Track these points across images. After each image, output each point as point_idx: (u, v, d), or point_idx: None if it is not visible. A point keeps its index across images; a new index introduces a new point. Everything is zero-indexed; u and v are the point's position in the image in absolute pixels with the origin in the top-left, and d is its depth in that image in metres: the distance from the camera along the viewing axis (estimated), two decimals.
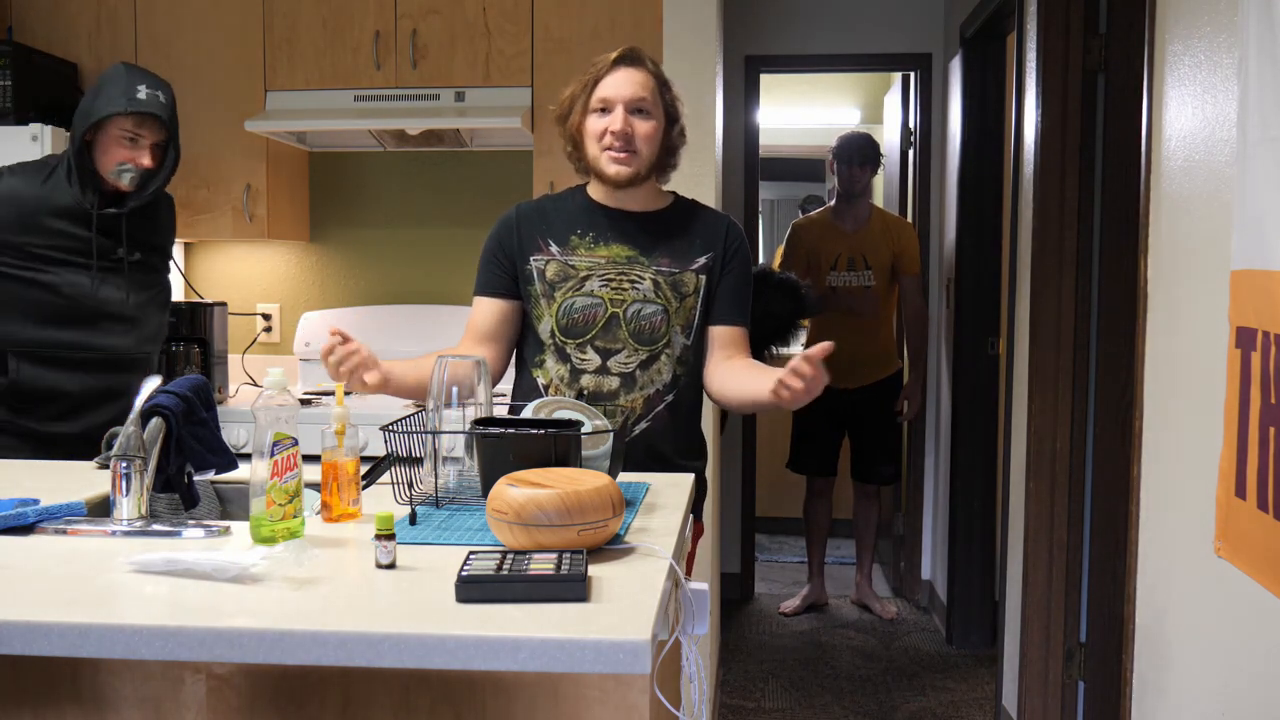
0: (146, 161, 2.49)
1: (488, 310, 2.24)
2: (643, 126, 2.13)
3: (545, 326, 2.19)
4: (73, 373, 2.51)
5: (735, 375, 2.19)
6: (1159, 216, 2.20)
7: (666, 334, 2.17)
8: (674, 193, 2.29)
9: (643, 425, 2.15)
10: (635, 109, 2.12)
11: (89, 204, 2.50)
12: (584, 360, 2.17)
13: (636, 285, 2.16)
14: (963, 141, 4.26)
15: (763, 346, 4.26)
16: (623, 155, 2.12)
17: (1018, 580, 3.19)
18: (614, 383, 2.16)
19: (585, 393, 2.15)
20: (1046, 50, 3.00)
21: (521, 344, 2.27)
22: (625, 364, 2.16)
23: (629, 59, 2.15)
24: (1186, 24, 2.07)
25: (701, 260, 2.20)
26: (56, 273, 2.49)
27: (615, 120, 2.11)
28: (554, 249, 2.19)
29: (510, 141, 3.82)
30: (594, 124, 2.13)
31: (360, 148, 3.96)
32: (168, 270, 2.75)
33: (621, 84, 2.12)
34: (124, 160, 2.47)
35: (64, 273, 2.50)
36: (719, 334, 2.23)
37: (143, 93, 2.44)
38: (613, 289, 2.16)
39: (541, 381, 2.21)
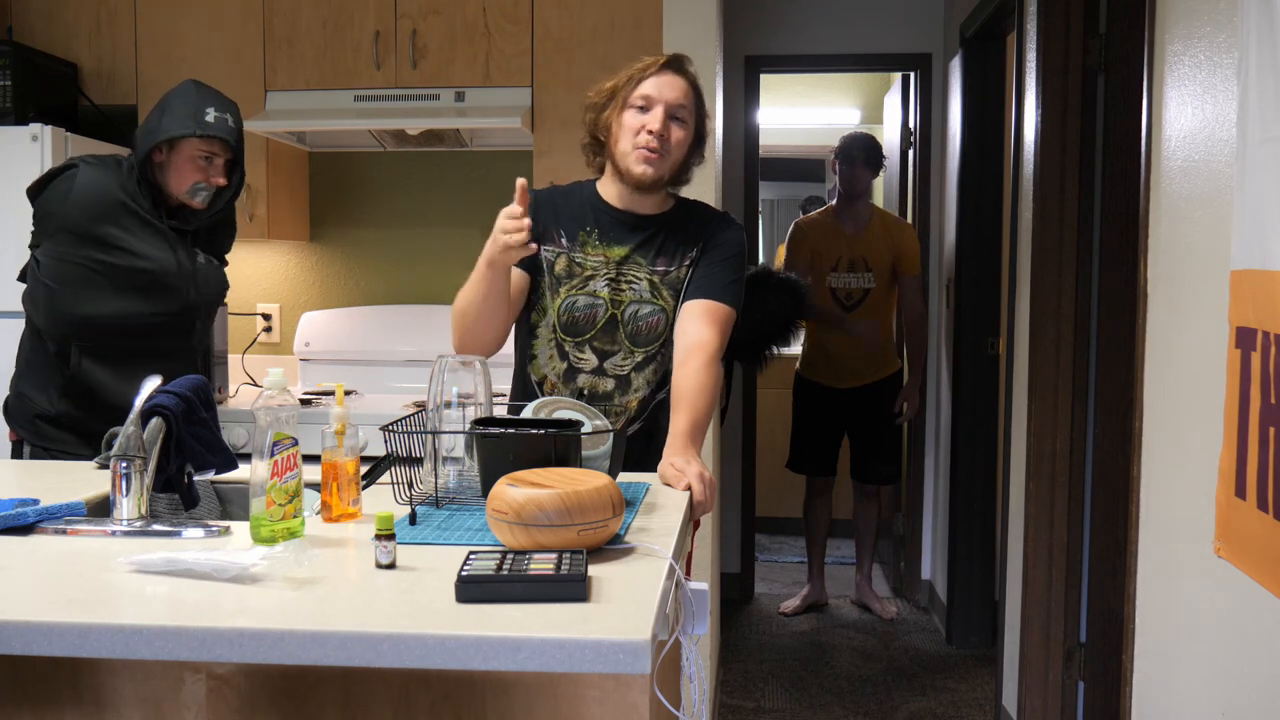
0: (220, 180, 2.53)
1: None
2: (678, 133, 2.13)
3: (548, 320, 2.20)
4: (130, 369, 2.52)
5: (674, 397, 2.08)
6: (1159, 216, 2.20)
7: (664, 334, 2.18)
8: (675, 195, 2.29)
9: (636, 426, 2.16)
10: (674, 114, 2.13)
11: (160, 217, 2.53)
12: (581, 359, 2.18)
13: (633, 286, 2.17)
14: (963, 141, 4.26)
15: (763, 346, 4.26)
16: (654, 156, 2.11)
17: (1018, 580, 3.19)
18: (609, 384, 2.17)
19: (584, 393, 2.15)
20: (1046, 50, 3.00)
21: (518, 340, 2.27)
22: (621, 366, 2.17)
23: (677, 65, 2.16)
24: (1186, 24, 2.07)
25: (693, 254, 2.20)
26: (135, 261, 2.51)
27: (655, 119, 2.10)
28: (564, 242, 2.20)
29: (510, 141, 3.82)
30: (631, 119, 2.13)
31: (360, 148, 3.96)
32: (221, 268, 2.78)
33: (666, 86, 2.12)
34: (199, 180, 2.51)
35: (142, 265, 2.52)
36: (684, 310, 2.16)
37: (211, 115, 2.47)
38: (613, 290, 2.17)
39: (535, 378, 2.21)
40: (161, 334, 2.57)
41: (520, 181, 1.95)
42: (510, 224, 1.93)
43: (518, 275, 2.20)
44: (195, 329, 2.66)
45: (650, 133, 2.10)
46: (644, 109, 2.12)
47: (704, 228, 2.22)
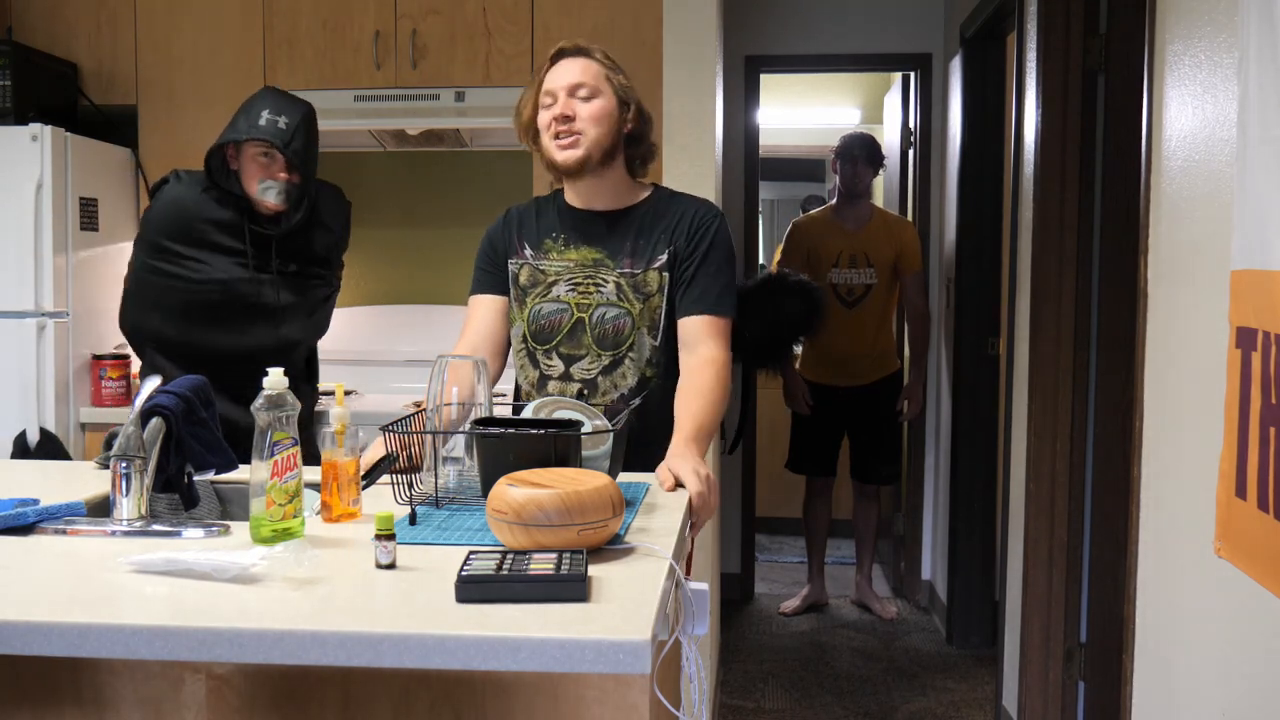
0: (283, 175, 2.57)
1: (484, 310, 2.24)
2: (585, 107, 2.11)
3: (518, 331, 2.20)
4: (210, 368, 2.56)
5: (679, 404, 2.07)
6: (1159, 216, 2.20)
7: (631, 337, 2.15)
8: (654, 185, 2.26)
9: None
10: (575, 93, 2.12)
11: (242, 231, 2.59)
12: (550, 366, 2.17)
13: (601, 289, 2.15)
14: (963, 141, 4.26)
15: (779, 349, 4.26)
16: (567, 140, 2.11)
17: (1018, 580, 3.19)
18: (575, 389, 2.15)
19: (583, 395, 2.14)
20: (1046, 50, 3.00)
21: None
22: (588, 370, 2.15)
23: (569, 51, 2.16)
24: (1186, 24, 2.07)
25: (663, 257, 2.16)
26: (211, 272, 2.58)
27: (558, 106, 2.11)
28: (528, 252, 2.20)
29: (510, 141, 3.80)
30: (543, 117, 2.14)
31: (360, 148, 3.96)
32: (328, 277, 2.81)
33: (562, 74, 2.13)
34: (263, 178, 2.57)
35: (218, 271, 2.58)
36: (680, 327, 2.15)
37: (263, 119, 2.53)
38: (579, 293, 2.16)
39: (524, 387, 2.22)
40: (231, 364, 2.57)
41: None
42: None
43: (495, 304, 2.23)
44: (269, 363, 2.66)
45: (555, 119, 2.11)
46: (550, 105, 2.13)
47: (674, 228, 2.17)
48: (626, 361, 2.15)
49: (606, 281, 2.15)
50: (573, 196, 2.21)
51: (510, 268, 2.22)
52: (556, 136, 2.11)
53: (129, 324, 2.67)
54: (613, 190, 2.18)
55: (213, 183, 2.60)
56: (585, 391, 2.15)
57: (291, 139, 2.54)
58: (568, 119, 2.10)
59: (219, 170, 2.60)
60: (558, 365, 2.16)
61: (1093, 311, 3.01)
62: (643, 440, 2.12)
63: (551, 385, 2.16)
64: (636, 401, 2.14)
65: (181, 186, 2.64)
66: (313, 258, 2.73)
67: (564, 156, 2.12)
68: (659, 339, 2.17)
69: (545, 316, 2.17)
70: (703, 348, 2.11)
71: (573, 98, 2.11)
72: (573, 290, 2.16)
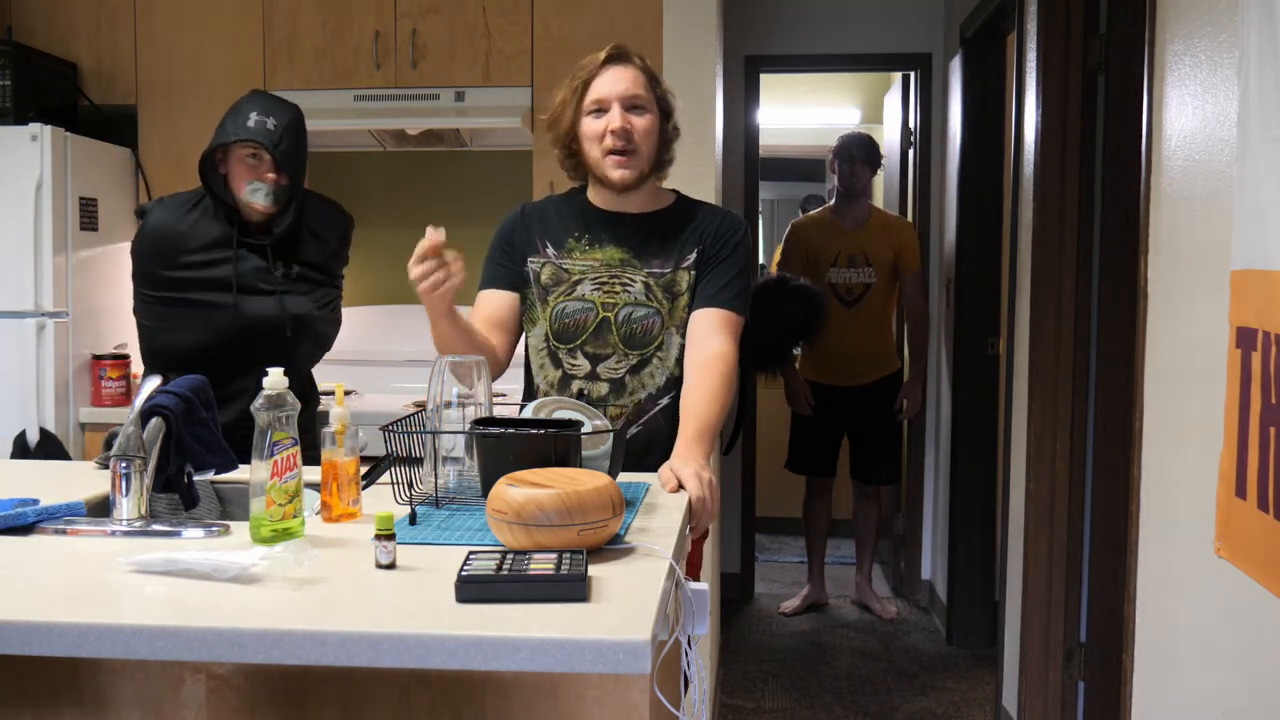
0: (271, 176, 2.56)
1: (494, 301, 2.21)
2: (640, 122, 2.10)
3: (540, 330, 2.19)
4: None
5: (684, 404, 2.06)
6: (1159, 216, 2.20)
7: (659, 337, 2.14)
8: (676, 192, 2.25)
9: (633, 430, 2.11)
10: (630, 105, 2.09)
11: (231, 238, 2.59)
12: (574, 366, 2.15)
13: (628, 288, 2.14)
14: (963, 141, 4.26)
15: (778, 352, 4.27)
16: (624, 158, 2.09)
17: (1018, 580, 3.19)
18: (603, 389, 2.14)
19: (580, 396, 2.13)
20: (1046, 50, 3.00)
21: (526, 345, 2.27)
22: (614, 369, 2.14)
23: (618, 57, 2.12)
24: (1186, 24, 2.07)
25: (691, 257, 2.16)
26: (203, 296, 2.59)
27: (614, 118, 2.08)
28: (550, 251, 2.18)
29: (510, 141, 3.82)
30: (591, 126, 2.10)
31: (360, 148, 3.96)
32: (325, 287, 2.79)
33: (614, 82, 2.10)
34: (250, 179, 2.56)
35: (211, 295, 2.59)
36: (692, 320, 2.14)
37: (251, 120, 2.53)
38: (605, 292, 2.14)
39: (542, 386, 2.20)
40: (238, 362, 2.57)
41: (431, 232, 1.93)
42: (416, 273, 1.93)
43: (506, 298, 2.20)
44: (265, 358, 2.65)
45: (613, 132, 2.07)
46: (600, 111, 2.10)
47: (701, 229, 2.18)
48: (654, 361, 2.15)
49: (634, 281, 2.14)
50: (599, 198, 2.19)
51: (530, 266, 2.19)
52: (613, 152, 2.08)
53: (150, 355, 2.66)
54: (643, 195, 2.17)
55: (208, 188, 2.59)
56: (610, 392, 2.14)
57: (280, 140, 2.53)
58: (627, 134, 2.08)
59: (212, 176, 2.60)
60: (583, 364, 2.15)
61: (1093, 311, 3.01)
62: (664, 443, 2.10)
63: (576, 384, 2.14)
64: (665, 401, 2.14)
65: (161, 211, 2.64)
66: (307, 264, 2.72)
67: (620, 175, 2.09)
68: (686, 338, 2.16)
69: (569, 315, 2.15)
70: (712, 341, 2.10)
71: (629, 110, 2.09)
72: (598, 289, 2.14)
